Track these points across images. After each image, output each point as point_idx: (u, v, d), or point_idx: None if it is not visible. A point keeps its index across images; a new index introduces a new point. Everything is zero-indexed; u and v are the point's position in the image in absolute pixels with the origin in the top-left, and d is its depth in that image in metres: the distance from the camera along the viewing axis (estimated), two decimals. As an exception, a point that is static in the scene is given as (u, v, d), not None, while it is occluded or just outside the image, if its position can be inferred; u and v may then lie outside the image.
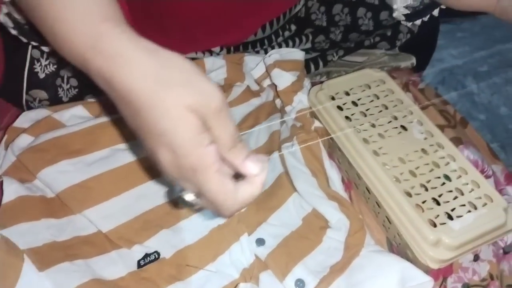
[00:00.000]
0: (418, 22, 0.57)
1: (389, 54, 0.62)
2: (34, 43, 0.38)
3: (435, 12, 0.56)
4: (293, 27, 0.65)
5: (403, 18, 0.57)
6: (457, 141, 0.52)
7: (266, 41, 0.62)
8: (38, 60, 0.45)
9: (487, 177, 0.50)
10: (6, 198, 0.41)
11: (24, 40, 0.37)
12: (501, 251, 0.45)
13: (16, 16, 0.35)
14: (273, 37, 0.63)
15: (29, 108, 0.48)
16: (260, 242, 0.42)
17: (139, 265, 0.40)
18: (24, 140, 0.43)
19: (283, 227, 0.43)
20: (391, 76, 0.58)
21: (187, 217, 0.44)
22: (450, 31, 1.53)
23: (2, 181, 0.42)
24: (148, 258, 0.41)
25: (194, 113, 0.26)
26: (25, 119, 0.45)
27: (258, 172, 0.30)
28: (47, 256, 0.38)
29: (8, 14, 0.34)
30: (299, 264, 0.41)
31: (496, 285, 0.42)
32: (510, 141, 1.24)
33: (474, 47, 1.49)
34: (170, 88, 0.26)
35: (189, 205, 0.31)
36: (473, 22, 1.58)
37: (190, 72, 0.27)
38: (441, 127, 0.53)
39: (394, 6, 0.56)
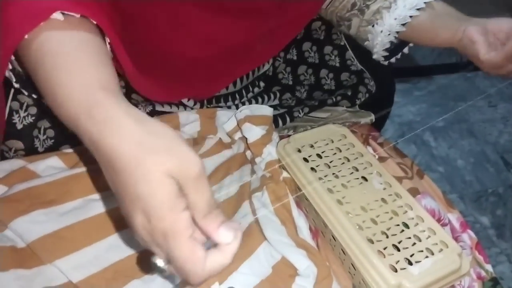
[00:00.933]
0: (393, 60, 0.64)
1: (350, 111, 0.67)
2: (25, 92, 0.40)
3: (405, 50, 0.62)
4: (261, 84, 0.70)
5: (382, 59, 0.63)
6: (414, 191, 0.56)
7: (237, 95, 0.66)
8: (17, 112, 0.47)
9: (443, 225, 0.54)
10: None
11: (26, 93, 0.38)
12: (459, 295, 0.47)
13: (19, 69, 0.37)
14: (244, 92, 0.67)
15: (4, 158, 0.48)
16: (231, 290, 0.43)
17: (109, 316, 0.40)
18: (-3, 190, 0.43)
19: (253, 275, 0.44)
20: (352, 131, 0.63)
21: None
22: (408, 89, 1.65)
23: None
24: (119, 309, 0.41)
25: (172, 178, 0.28)
26: (-2, 170, 0.46)
27: (230, 241, 0.30)
28: (14, 308, 0.38)
29: (13, 70, 0.36)
30: (269, 312, 0.42)
31: (456, 329, 0.44)
32: (468, 192, 1.31)
33: (430, 104, 1.60)
34: (152, 153, 0.28)
35: (158, 270, 0.31)
36: (428, 81, 1.71)
37: (174, 140, 0.29)
38: (400, 178, 0.57)
39: (374, 50, 0.62)
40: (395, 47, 0.64)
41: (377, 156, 0.60)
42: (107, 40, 0.36)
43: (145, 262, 0.44)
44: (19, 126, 0.47)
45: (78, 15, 0.33)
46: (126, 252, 0.45)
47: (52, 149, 0.50)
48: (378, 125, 0.73)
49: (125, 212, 0.30)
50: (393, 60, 0.65)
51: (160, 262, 0.31)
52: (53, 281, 0.41)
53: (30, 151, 0.48)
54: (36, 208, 0.43)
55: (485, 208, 1.26)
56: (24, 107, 0.47)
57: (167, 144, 0.29)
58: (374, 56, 0.64)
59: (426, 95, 1.63)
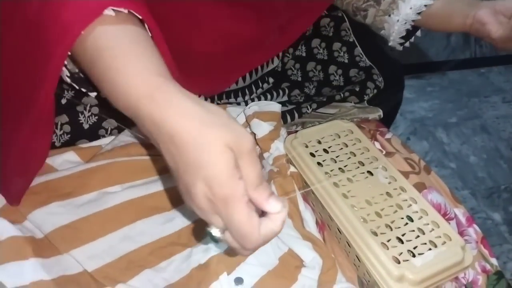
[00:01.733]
0: (407, 44, 0.67)
1: (358, 107, 0.68)
2: (83, 90, 0.42)
3: (418, 33, 0.65)
4: (271, 80, 0.71)
5: (399, 46, 0.66)
6: (421, 186, 0.57)
7: (247, 91, 0.67)
8: None
9: (449, 219, 0.54)
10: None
11: (76, 87, 0.41)
12: (463, 287, 0.48)
13: (75, 70, 0.40)
14: (253, 88, 0.68)
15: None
16: (239, 281, 0.44)
17: (122, 304, 0.42)
18: (17, 183, 0.46)
19: (260, 266, 0.46)
20: (360, 127, 0.64)
21: (169, 258, 0.46)
22: (420, 85, 1.64)
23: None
24: (131, 297, 0.43)
25: (230, 150, 0.30)
26: (18, 164, 0.48)
27: (279, 210, 0.33)
28: (34, 294, 0.40)
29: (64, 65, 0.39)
30: (275, 302, 0.43)
31: (459, 320, 0.45)
32: (480, 188, 1.30)
33: (443, 100, 1.59)
34: (212, 127, 0.31)
35: (215, 240, 0.34)
36: (441, 77, 1.69)
37: (229, 118, 0.32)
38: (406, 173, 0.58)
39: (391, 38, 0.66)
40: (409, 32, 0.67)
41: (384, 152, 0.61)
42: (149, 34, 0.38)
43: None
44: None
45: (126, 11, 0.35)
46: (139, 243, 0.47)
47: (69, 144, 0.52)
48: (387, 121, 0.74)
49: (185, 185, 0.32)
50: (407, 44, 0.68)
51: (215, 231, 0.34)
52: (69, 270, 0.43)
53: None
54: (54, 200, 0.45)
55: (498, 204, 1.25)
56: None
57: (224, 121, 0.31)
58: (390, 43, 0.67)
59: (439, 91, 1.62)
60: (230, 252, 0.46)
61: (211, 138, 0.30)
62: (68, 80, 0.40)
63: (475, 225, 0.55)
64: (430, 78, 1.67)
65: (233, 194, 0.31)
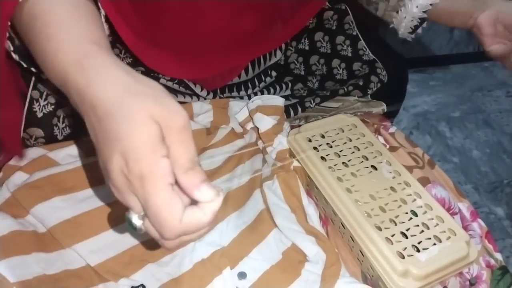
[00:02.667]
0: (413, 35, 0.67)
1: (361, 100, 0.67)
2: (33, 70, 0.41)
3: (424, 25, 0.65)
4: (273, 73, 0.70)
5: (409, 37, 0.67)
6: (425, 181, 0.56)
7: (249, 84, 0.67)
8: (37, 101, 0.49)
9: (453, 214, 0.54)
10: (0, 233, 0.43)
11: (24, 65, 0.39)
12: (468, 283, 0.47)
13: (17, 42, 0.38)
14: (256, 81, 0.67)
15: (25, 145, 0.50)
16: (242, 275, 0.44)
17: (125, 298, 0.42)
18: (19, 177, 0.45)
19: (264, 261, 0.46)
20: (363, 121, 0.63)
21: (172, 252, 0.46)
22: (423, 79, 1.63)
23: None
24: (134, 291, 0.43)
25: (156, 123, 0.27)
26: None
27: (210, 199, 0.29)
28: (37, 289, 0.40)
29: (11, 39, 0.37)
30: (278, 296, 0.43)
31: (463, 315, 0.44)
32: (483, 183, 1.30)
33: (446, 94, 1.58)
34: (138, 97, 0.28)
35: (133, 227, 0.30)
36: (445, 71, 1.68)
37: (162, 91, 0.29)
38: (410, 168, 0.58)
39: (400, 32, 0.66)
40: (415, 26, 0.67)
41: (388, 146, 0.61)
42: (102, 12, 0.37)
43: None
44: (39, 115, 0.49)
45: None
46: (142, 237, 0.46)
47: (71, 137, 0.51)
48: (390, 115, 0.73)
49: (103, 159, 0.29)
50: (413, 36, 0.68)
51: (135, 218, 0.30)
52: (72, 264, 0.43)
53: (50, 139, 0.50)
54: (56, 194, 0.45)
55: (500, 199, 1.25)
56: (43, 96, 0.49)
57: (155, 92, 0.29)
58: (400, 36, 0.67)
59: (442, 85, 1.61)
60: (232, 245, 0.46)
61: (134, 107, 0.28)
62: (16, 56, 0.38)
63: (479, 220, 0.55)
64: (433, 72, 1.66)
65: (152, 172, 0.27)
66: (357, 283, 0.44)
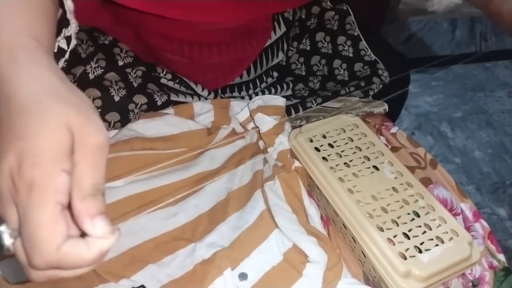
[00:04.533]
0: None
1: (363, 101, 0.67)
2: None
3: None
4: (275, 74, 0.70)
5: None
6: (427, 181, 0.56)
7: (251, 85, 0.67)
8: None
9: (456, 214, 0.54)
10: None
11: None
12: (470, 284, 0.47)
13: None
14: (257, 82, 0.67)
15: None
16: (243, 276, 0.44)
17: (126, 299, 0.42)
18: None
19: (265, 262, 0.45)
20: (365, 121, 0.63)
21: (173, 253, 0.46)
22: (425, 80, 1.63)
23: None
24: (135, 292, 0.42)
25: (70, 133, 0.25)
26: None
27: (102, 235, 0.25)
28: (36, 290, 0.40)
29: None
30: (280, 297, 0.43)
31: (466, 317, 0.44)
32: (485, 184, 1.29)
33: (448, 94, 1.58)
34: (61, 102, 0.26)
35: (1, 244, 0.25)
36: (446, 71, 1.68)
37: (89, 104, 0.27)
38: (412, 168, 0.57)
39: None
40: None
41: (389, 146, 0.61)
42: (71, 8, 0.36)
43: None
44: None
45: None
46: (142, 238, 0.46)
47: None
48: (392, 115, 0.73)
49: None
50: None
51: (5, 234, 0.25)
52: (72, 264, 0.43)
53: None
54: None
55: (503, 199, 1.25)
56: None
57: (81, 103, 0.26)
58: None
59: (443, 85, 1.61)
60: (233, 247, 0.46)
61: (52, 110, 0.25)
62: None
63: (482, 220, 0.54)
64: (434, 73, 1.66)
65: (44, 181, 0.24)
66: (359, 284, 0.43)
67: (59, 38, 0.38)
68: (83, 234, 0.26)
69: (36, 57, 0.28)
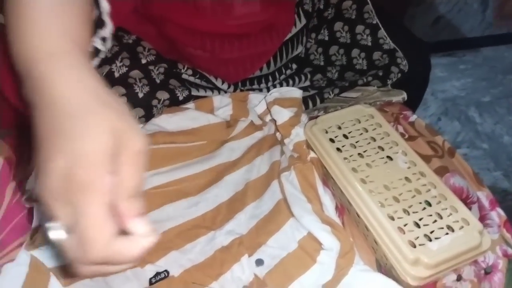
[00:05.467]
0: None
1: (381, 90, 0.68)
2: None
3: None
4: (294, 66, 0.71)
5: None
6: (443, 170, 0.56)
7: (270, 77, 0.68)
8: None
9: (471, 203, 0.54)
10: (36, 223, 0.46)
11: None
12: (483, 271, 0.48)
13: None
14: (277, 74, 0.69)
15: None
16: (259, 262, 0.47)
17: (151, 283, 0.45)
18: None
19: (280, 249, 0.48)
20: (383, 110, 0.64)
21: (194, 240, 0.49)
22: (452, 63, 1.59)
23: (32, 208, 0.47)
24: (159, 276, 0.46)
25: (113, 138, 0.27)
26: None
27: (143, 234, 0.28)
28: (70, 273, 0.43)
29: None
30: (294, 283, 0.45)
31: (477, 303, 0.45)
32: (514, 169, 1.26)
33: (477, 78, 1.53)
34: (105, 107, 0.28)
35: (53, 239, 0.28)
36: (475, 54, 1.63)
37: (126, 110, 0.29)
38: (429, 157, 0.58)
39: None
40: None
41: (406, 135, 0.61)
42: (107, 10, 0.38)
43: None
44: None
45: None
46: (166, 226, 0.49)
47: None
48: (412, 103, 0.73)
49: (44, 158, 0.27)
50: None
51: (59, 230, 0.27)
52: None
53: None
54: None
55: (532, 186, 1.22)
56: None
57: (122, 109, 0.29)
58: None
59: (472, 68, 1.56)
60: (251, 235, 0.49)
61: (98, 115, 0.27)
62: None
63: (498, 209, 0.54)
64: (463, 56, 1.61)
65: (93, 183, 0.26)
66: (370, 271, 0.45)
67: (94, 38, 0.40)
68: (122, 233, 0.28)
69: (78, 61, 0.30)
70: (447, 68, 1.55)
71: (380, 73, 0.67)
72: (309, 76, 0.71)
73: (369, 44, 0.69)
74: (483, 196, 0.56)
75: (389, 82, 0.68)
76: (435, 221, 0.45)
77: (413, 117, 0.66)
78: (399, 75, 0.68)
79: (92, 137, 0.26)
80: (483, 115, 1.41)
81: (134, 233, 0.28)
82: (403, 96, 0.68)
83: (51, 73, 0.29)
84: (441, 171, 0.56)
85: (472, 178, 0.58)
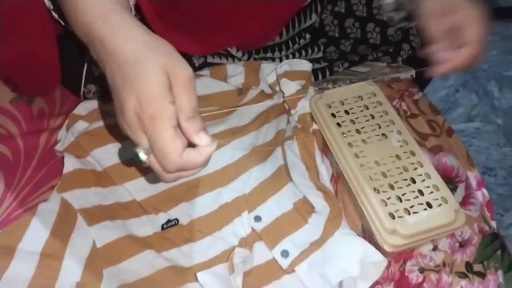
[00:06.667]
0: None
1: (391, 66, 0.70)
2: (69, 28, 0.47)
3: None
4: (307, 36, 0.74)
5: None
6: (438, 149, 0.60)
7: (283, 46, 0.71)
8: (94, 62, 0.57)
9: (460, 182, 0.58)
10: (66, 170, 0.53)
11: (63, 23, 0.46)
12: (458, 244, 0.53)
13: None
14: (290, 43, 0.72)
15: (85, 98, 0.60)
16: (257, 219, 0.53)
17: (163, 228, 0.52)
18: (81, 125, 0.55)
19: (277, 209, 0.54)
20: (390, 87, 0.67)
21: (203, 194, 0.55)
22: (480, 33, 1.55)
23: (63, 156, 0.54)
24: (170, 223, 0.52)
25: (166, 74, 0.33)
26: (82, 108, 0.58)
27: (207, 144, 0.35)
28: (95, 215, 0.51)
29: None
30: (286, 239, 0.51)
31: (446, 271, 0.51)
32: (525, 147, 1.27)
33: (502, 51, 1.50)
34: (153, 51, 0.34)
35: (138, 160, 0.35)
36: (506, 26, 1.58)
37: (172, 49, 0.35)
38: (426, 135, 0.62)
39: None
40: None
41: (409, 113, 0.65)
42: None
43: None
44: (96, 73, 0.58)
45: None
46: (179, 181, 0.54)
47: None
48: (421, 80, 0.75)
49: (119, 101, 0.35)
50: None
51: (141, 152, 0.35)
52: (122, 198, 0.53)
53: (105, 94, 0.59)
54: (110, 142, 0.55)
55: (541, 164, 1.23)
56: None
57: (167, 50, 0.35)
58: None
59: (499, 41, 1.53)
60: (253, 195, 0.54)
61: (150, 59, 0.33)
62: (55, 15, 0.45)
63: (483, 189, 0.59)
64: (492, 27, 1.57)
65: (161, 113, 0.32)
66: (354, 235, 0.51)
67: None
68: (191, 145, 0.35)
69: (125, 18, 0.36)
70: (472, 39, 1.51)
71: (391, 49, 0.69)
72: (322, 47, 0.73)
73: (385, 19, 0.71)
74: (472, 176, 0.60)
75: (399, 59, 0.70)
76: (417, 197, 0.49)
77: (418, 95, 0.68)
78: (410, 52, 0.70)
79: (150, 78, 0.33)
80: (503, 90, 1.40)
81: (199, 144, 0.35)
82: (411, 73, 0.70)
83: (106, 32, 0.35)
84: (435, 150, 0.60)
85: (464, 158, 0.62)
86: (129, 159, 0.53)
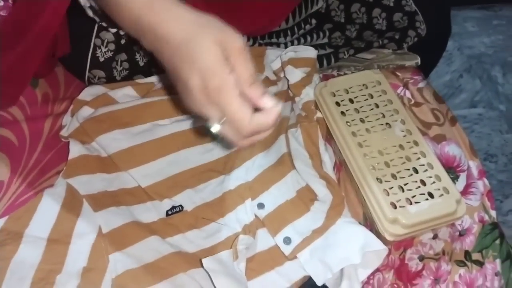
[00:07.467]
0: None
1: (396, 53, 0.70)
2: (104, 24, 0.49)
3: None
4: (313, 21, 0.73)
5: None
6: (441, 138, 0.61)
7: (289, 32, 0.71)
8: (100, 47, 0.57)
9: (461, 171, 0.59)
10: (71, 155, 0.53)
11: (97, 19, 0.47)
12: (457, 233, 0.54)
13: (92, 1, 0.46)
14: (296, 29, 0.71)
15: (90, 83, 0.60)
16: (261, 206, 0.53)
17: (167, 214, 0.52)
18: (86, 111, 0.56)
19: (280, 196, 0.54)
20: (394, 74, 0.66)
21: (207, 181, 0.56)
22: (486, 18, 1.53)
23: (69, 142, 0.55)
24: (174, 209, 0.53)
25: (218, 45, 0.34)
26: (87, 94, 0.58)
27: (272, 105, 0.36)
28: (100, 201, 0.51)
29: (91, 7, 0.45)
30: (288, 226, 0.52)
31: (446, 260, 0.52)
32: (527, 134, 1.27)
33: (509, 36, 1.49)
34: (203, 27, 0.35)
35: (213, 134, 0.37)
36: (512, 9, 1.56)
37: (220, 22, 0.36)
38: (429, 124, 0.62)
39: None
40: None
41: (413, 101, 0.65)
42: None
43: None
44: (101, 59, 0.57)
45: None
46: (183, 167, 0.56)
47: (127, 78, 0.60)
48: (426, 68, 0.75)
49: (183, 82, 0.36)
50: None
51: (215, 125, 0.37)
52: (127, 184, 0.54)
53: (110, 79, 0.59)
54: (115, 128, 0.55)
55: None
56: (105, 43, 0.57)
57: (215, 24, 0.36)
58: None
59: (505, 25, 1.51)
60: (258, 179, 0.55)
61: (201, 35, 0.34)
62: (90, 12, 0.46)
63: (484, 179, 0.59)
64: (499, 10, 1.55)
65: (225, 83, 0.34)
66: (355, 223, 0.52)
67: None
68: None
69: (168, 2, 0.37)
70: (479, 23, 1.50)
71: (397, 36, 0.68)
72: (327, 33, 0.73)
73: (391, 4, 0.70)
74: (474, 166, 0.60)
75: (405, 45, 0.69)
76: (419, 187, 0.50)
77: (422, 83, 0.68)
78: (416, 39, 0.69)
79: (206, 53, 0.34)
80: (507, 76, 1.39)
81: (265, 107, 0.36)
82: (416, 60, 0.70)
83: (153, 17, 0.36)
84: (438, 139, 0.61)
85: (467, 148, 0.62)
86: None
